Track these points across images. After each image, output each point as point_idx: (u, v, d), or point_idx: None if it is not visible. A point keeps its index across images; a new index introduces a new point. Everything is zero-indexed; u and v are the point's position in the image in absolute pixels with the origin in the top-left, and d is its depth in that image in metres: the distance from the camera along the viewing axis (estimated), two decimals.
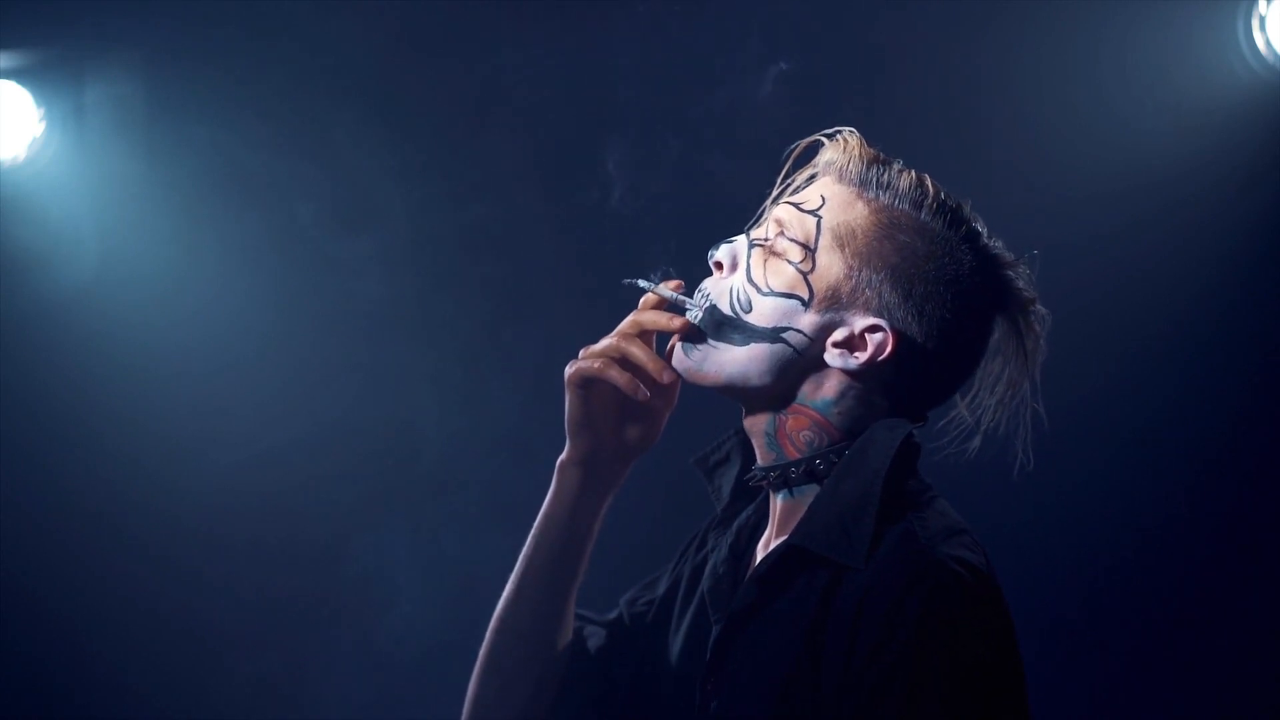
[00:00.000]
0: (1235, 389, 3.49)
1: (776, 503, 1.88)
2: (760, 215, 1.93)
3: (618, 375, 1.91)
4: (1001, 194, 3.17)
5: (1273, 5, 3.35)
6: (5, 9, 3.46)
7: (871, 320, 1.82)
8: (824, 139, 1.90)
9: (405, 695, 3.58)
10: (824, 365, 1.83)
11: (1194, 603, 3.49)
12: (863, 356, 1.82)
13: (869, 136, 1.89)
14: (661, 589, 2.08)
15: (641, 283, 1.94)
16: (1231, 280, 3.47)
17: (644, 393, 1.91)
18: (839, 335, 1.82)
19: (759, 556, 1.90)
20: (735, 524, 1.99)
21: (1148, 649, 3.49)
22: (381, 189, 3.56)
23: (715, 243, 1.90)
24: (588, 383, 1.94)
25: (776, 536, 1.87)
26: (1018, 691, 1.70)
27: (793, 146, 1.92)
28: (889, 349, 1.81)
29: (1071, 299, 3.40)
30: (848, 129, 1.88)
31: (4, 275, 3.53)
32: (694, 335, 1.88)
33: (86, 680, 3.58)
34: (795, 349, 1.83)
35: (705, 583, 1.94)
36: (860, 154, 1.86)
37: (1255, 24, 3.37)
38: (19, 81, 3.49)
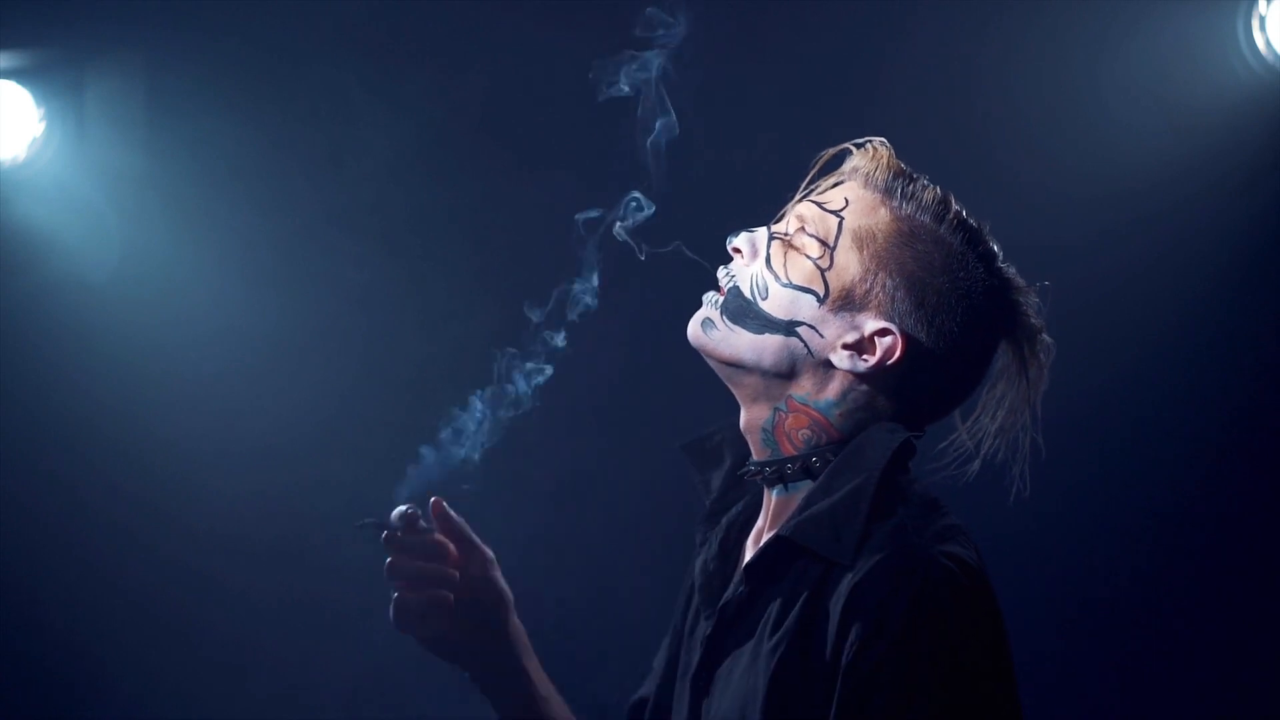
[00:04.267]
0: (1235, 390, 3.49)
1: (771, 498, 1.90)
2: (782, 214, 1.94)
3: (432, 617, 2.03)
4: (1001, 194, 3.17)
5: (1273, 5, 3.35)
6: (5, 9, 3.46)
7: (882, 324, 1.83)
8: (852, 147, 1.92)
9: (410, 693, 3.58)
10: (831, 366, 1.85)
11: (1192, 607, 3.49)
12: (871, 360, 1.83)
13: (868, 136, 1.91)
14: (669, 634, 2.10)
15: (370, 521, 2.08)
16: (1231, 280, 3.47)
17: (448, 596, 2.04)
18: (850, 337, 1.84)
19: (749, 550, 1.91)
20: (725, 520, 2.00)
21: (1143, 654, 3.49)
22: (384, 186, 3.56)
23: (734, 229, 1.92)
24: (429, 639, 2.05)
25: (768, 531, 1.88)
26: (1008, 687, 1.71)
27: (821, 154, 1.94)
28: (897, 354, 1.83)
29: (1071, 299, 3.40)
30: (879, 139, 1.91)
31: (4, 275, 3.53)
32: (712, 318, 1.90)
33: (87, 679, 3.58)
34: (806, 345, 1.85)
35: (697, 579, 1.95)
36: (889, 163, 1.88)
37: (1255, 24, 3.37)
38: (19, 81, 3.49)
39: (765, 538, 1.86)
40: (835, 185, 1.91)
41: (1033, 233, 3.20)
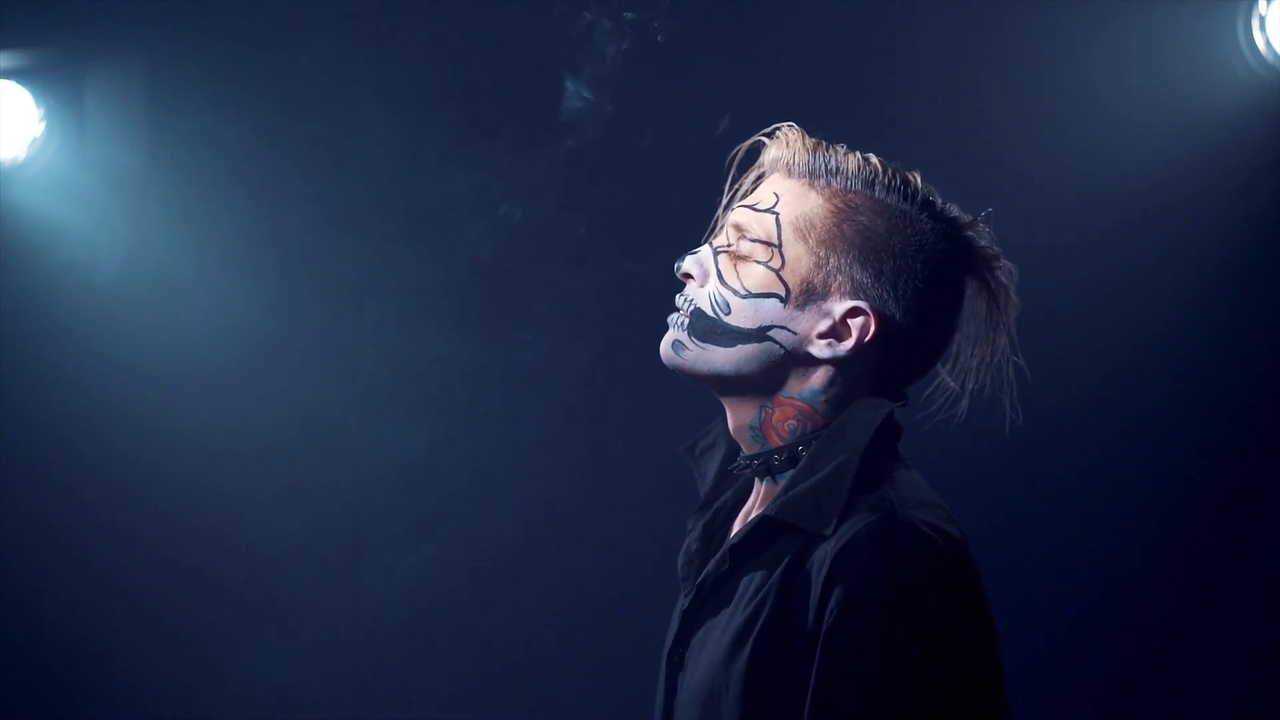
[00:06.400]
0: (1234, 390, 3.49)
1: (760, 487, 1.91)
2: (715, 224, 1.95)
3: None
4: (1002, 194, 3.15)
5: (1273, 5, 3.35)
6: (5, 9, 3.46)
7: (849, 304, 1.83)
8: (765, 139, 1.92)
9: (411, 693, 3.59)
10: (812, 358, 1.85)
11: (1190, 606, 3.49)
12: (850, 343, 1.84)
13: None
14: None
15: None
16: (1231, 280, 3.47)
17: None
18: (823, 326, 1.84)
19: (735, 531, 1.92)
20: (714, 506, 2.00)
21: (1143, 643, 3.49)
22: (384, 185, 3.56)
23: (680, 255, 1.91)
24: None
25: (756, 511, 1.90)
26: (990, 655, 1.72)
27: (735, 151, 1.94)
28: (872, 330, 1.83)
29: (1072, 298, 3.42)
30: (786, 124, 1.90)
31: (3, 275, 3.53)
32: (681, 339, 1.89)
33: (87, 679, 3.58)
34: (783, 346, 1.85)
35: (679, 560, 1.96)
36: (803, 145, 1.88)
37: (1255, 24, 3.37)
38: (19, 81, 3.50)
39: (751, 517, 1.87)
40: (758, 181, 1.91)
41: (1033, 233, 3.21)
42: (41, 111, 3.50)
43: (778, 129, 1.90)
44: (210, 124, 3.53)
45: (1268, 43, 3.36)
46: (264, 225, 3.56)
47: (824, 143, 1.88)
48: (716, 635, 1.81)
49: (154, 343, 3.57)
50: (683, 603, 1.90)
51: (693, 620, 1.86)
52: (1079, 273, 3.42)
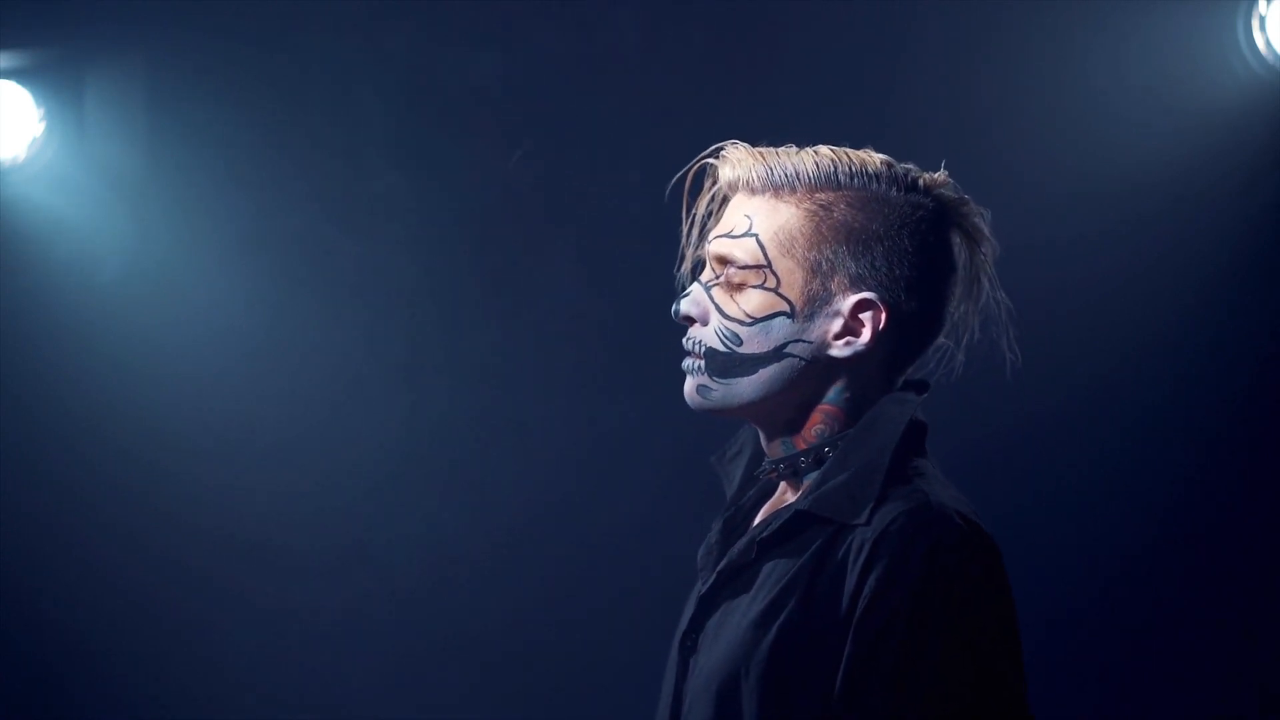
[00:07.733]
0: (1234, 390, 3.49)
1: (785, 485, 1.92)
2: (681, 258, 1.95)
3: None
4: (1002, 194, 3.15)
5: (1273, 5, 3.35)
6: (5, 9, 3.46)
7: (855, 298, 1.84)
8: (712, 161, 1.92)
9: (413, 693, 3.59)
10: (833, 361, 1.86)
11: (1191, 605, 3.49)
12: (866, 336, 1.85)
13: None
14: None
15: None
16: (1231, 280, 3.47)
17: None
18: (835, 327, 1.85)
19: (757, 522, 1.92)
20: (737, 505, 2.01)
21: (1144, 643, 3.49)
22: (385, 184, 3.56)
23: (676, 299, 1.91)
24: None
25: (779, 505, 1.91)
26: (1014, 649, 1.74)
27: (681, 173, 1.93)
28: (884, 318, 1.84)
29: (1072, 298, 3.42)
30: (729, 143, 1.90)
31: (3, 275, 3.53)
32: (704, 383, 1.89)
33: (87, 679, 3.58)
34: (802, 358, 1.86)
35: (700, 551, 1.97)
36: (754, 160, 1.88)
37: (1255, 24, 3.37)
38: (19, 81, 3.49)
39: (780, 509, 1.88)
40: (712, 202, 1.91)
41: (1033, 232, 3.22)
42: (41, 111, 3.50)
43: (721, 149, 1.90)
44: (210, 123, 3.53)
45: (1268, 43, 3.36)
46: (264, 225, 3.55)
47: (773, 150, 1.88)
48: (736, 619, 1.81)
49: (154, 343, 3.56)
50: (700, 588, 1.90)
51: (710, 604, 1.87)
52: (1079, 273, 3.42)
